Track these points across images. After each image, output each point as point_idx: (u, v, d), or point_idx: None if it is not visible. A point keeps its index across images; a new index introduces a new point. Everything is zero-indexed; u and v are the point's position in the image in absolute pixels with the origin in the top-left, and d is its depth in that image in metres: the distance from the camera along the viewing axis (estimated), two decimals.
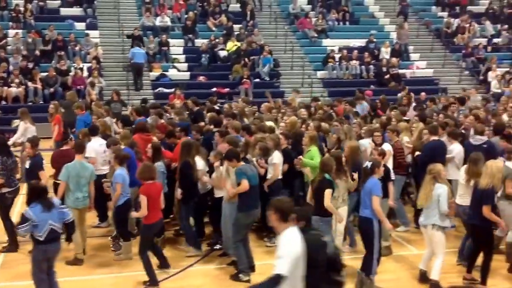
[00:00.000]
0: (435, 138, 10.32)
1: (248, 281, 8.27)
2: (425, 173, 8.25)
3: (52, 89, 19.78)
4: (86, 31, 22.82)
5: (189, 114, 13.72)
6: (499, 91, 21.46)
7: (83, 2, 24.29)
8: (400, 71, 23.20)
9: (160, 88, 21.18)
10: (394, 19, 26.59)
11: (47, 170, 9.51)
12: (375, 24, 26.35)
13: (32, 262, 7.09)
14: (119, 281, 8.41)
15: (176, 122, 12.16)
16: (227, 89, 21.29)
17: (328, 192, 8.03)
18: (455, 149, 10.27)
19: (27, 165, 9.34)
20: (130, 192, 8.92)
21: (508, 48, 25.51)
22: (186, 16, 24.03)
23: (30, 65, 20.48)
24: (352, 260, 8.61)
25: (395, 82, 22.25)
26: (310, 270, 5.35)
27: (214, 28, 24.19)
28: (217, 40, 23.00)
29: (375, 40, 24.32)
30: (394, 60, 23.24)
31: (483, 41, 25.52)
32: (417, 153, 10.52)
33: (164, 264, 8.62)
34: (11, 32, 21.98)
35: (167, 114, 13.81)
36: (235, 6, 25.82)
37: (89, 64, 21.02)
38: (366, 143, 10.31)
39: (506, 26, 26.17)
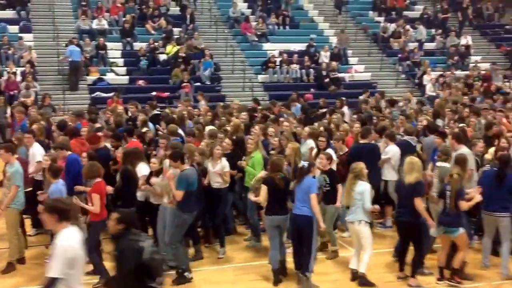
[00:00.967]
0: (365, 141, 10.45)
1: (191, 278, 8.38)
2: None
3: None
4: (20, 34, 22.09)
5: (128, 120, 13.42)
6: (434, 94, 22.09)
7: (16, 5, 23.46)
8: (340, 74, 23.52)
9: (97, 93, 20.68)
10: (333, 24, 26.98)
11: None
12: (314, 29, 26.64)
13: None
14: None
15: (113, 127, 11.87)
16: (167, 93, 21.01)
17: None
18: (391, 150, 10.48)
19: None
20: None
21: (442, 52, 26.27)
22: (124, 19, 23.59)
23: None
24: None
25: (334, 85, 22.54)
26: (119, 275, 5.62)
27: (153, 32, 23.87)
28: (156, 44, 22.69)
29: (314, 44, 24.57)
30: (334, 64, 23.54)
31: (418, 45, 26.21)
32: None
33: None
34: None
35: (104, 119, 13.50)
36: (174, 10, 25.57)
37: (23, 68, 20.31)
38: (312, 144, 10.43)
39: (440, 31, 26.96)
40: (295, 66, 23.22)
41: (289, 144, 9.79)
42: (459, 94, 20.16)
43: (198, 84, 21.81)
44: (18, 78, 19.94)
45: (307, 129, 11.30)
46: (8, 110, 17.31)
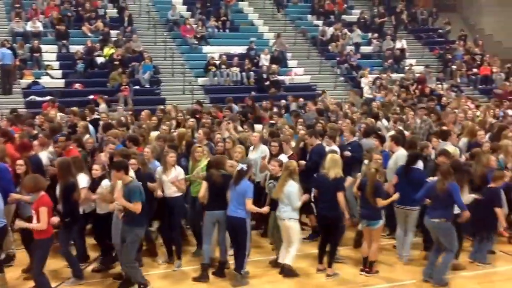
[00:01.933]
0: (318, 142, 10.56)
1: None
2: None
3: None
4: None
5: (69, 126, 13.04)
6: (371, 96, 22.58)
7: None
8: (280, 77, 23.71)
9: (32, 96, 20.05)
10: (273, 27, 27.18)
11: None
12: (254, 32, 26.76)
13: None
14: None
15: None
16: (105, 97, 20.53)
17: (204, 183, 8.55)
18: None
19: None
20: (4, 213, 7.99)
21: (378, 55, 26.89)
22: (57, 21, 22.98)
23: None
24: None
25: (275, 88, 22.70)
26: None
27: (90, 34, 23.37)
28: (95, 45, 22.24)
29: (255, 47, 24.68)
30: (274, 67, 23.70)
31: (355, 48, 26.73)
32: (302, 162, 10.34)
33: None
34: None
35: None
36: (112, 12, 25.15)
37: None
38: (266, 150, 10.34)
39: (376, 35, 27.59)
40: (235, 69, 23.24)
41: (237, 148, 9.82)
42: (396, 96, 20.72)
43: (137, 87, 21.52)
44: None
45: (256, 134, 10.95)
46: None
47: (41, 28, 22.64)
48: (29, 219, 7.84)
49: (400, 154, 9.85)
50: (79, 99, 19.39)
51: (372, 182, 8.61)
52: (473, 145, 11.38)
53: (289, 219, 8.66)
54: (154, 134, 11.57)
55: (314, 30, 27.44)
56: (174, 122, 13.35)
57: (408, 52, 27.44)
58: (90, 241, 9.33)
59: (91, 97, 20.07)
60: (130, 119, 13.93)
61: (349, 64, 25.38)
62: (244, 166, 8.60)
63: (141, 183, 8.12)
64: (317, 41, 26.66)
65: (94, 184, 8.63)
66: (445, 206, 8.38)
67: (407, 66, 26.03)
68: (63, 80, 21.41)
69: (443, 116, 14.76)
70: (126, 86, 20.54)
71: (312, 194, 9.37)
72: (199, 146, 9.71)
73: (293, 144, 10.94)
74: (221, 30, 25.90)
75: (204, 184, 8.57)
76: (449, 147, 10.43)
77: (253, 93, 22.19)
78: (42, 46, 21.83)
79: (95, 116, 14.41)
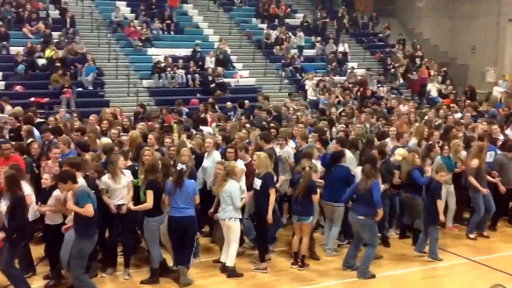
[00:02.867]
0: (269, 146, 10.67)
1: None
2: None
3: None
4: None
5: (9, 131, 12.53)
6: (315, 98, 23.05)
7: None
8: (225, 80, 23.86)
9: None
10: (218, 30, 27.32)
11: None
12: (199, 34, 26.82)
13: None
14: None
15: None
16: (46, 99, 20.20)
17: (150, 193, 8.40)
18: (286, 151, 10.83)
19: None
20: None
21: (321, 58, 27.43)
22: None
23: None
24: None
25: (220, 90, 22.83)
26: None
27: (30, 35, 22.89)
28: (34, 47, 21.80)
29: (200, 49, 24.75)
30: (219, 69, 23.83)
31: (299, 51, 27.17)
32: None
33: None
34: None
35: None
36: (54, 13, 24.71)
37: None
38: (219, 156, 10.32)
39: (319, 38, 28.13)
40: (180, 71, 23.24)
41: (183, 151, 9.83)
42: (342, 98, 21.25)
43: (80, 89, 21.24)
44: None
45: (210, 140, 10.64)
46: None
47: None
48: None
49: (349, 156, 10.24)
50: (19, 101, 18.92)
51: (306, 181, 8.99)
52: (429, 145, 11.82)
53: (229, 219, 8.81)
54: (104, 140, 11.30)
55: (259, 33, 27.74)
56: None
57: (350, 55, 28.09)
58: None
59: (32, 99, 19.73)
60: (76, 123, 13.55)
61: (293, 67, 25.79)
62: (184, 167, 8.73)
63: (93, 190, 7.98)
64: (262, 44, 26.97)
65: (45, 195, 8.27)
66: (370, 204, 8.79)
67: (349, 69, 26.65)
68: (3, 82, 20.89)
69: (396, 118, 15.23)
70: (69, 88, 20.24)
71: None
72: (148, 150, 9.63)
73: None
74: (166, 33, 25.85)
75: (150, 192, 8.42)
76: (400, 149, 10.99)
77: (198, 95, 22.32)
78: None
79: (39, 119, 14.03)
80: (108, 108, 17.57)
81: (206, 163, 10.31)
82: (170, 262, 9.02)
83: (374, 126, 14.15)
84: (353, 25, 30.61)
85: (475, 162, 10.69)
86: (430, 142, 11.63)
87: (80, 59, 22.10)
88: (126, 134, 11.94)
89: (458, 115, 16.36)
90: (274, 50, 26.70)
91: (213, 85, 23.03)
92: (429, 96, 25.99)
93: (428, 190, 9.83)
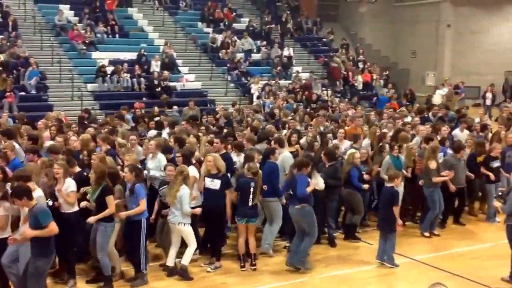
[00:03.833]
0: (224, 151, 10.73)
1: None
2: None
3: None
4: None
5: None
6: (261, 102, 23.28)
7: None
8: (171, 83, 23.83)
9: None
10: (163, 33, 27.23)
11: None
12: (145, 38, 26.69)
13: None
14: None
15: None
16: None
17: (110, 198, 8.36)
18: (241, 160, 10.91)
19: None
20: None
21: (267, 62, 27.73)
22: None
23: None
24: None
25: (166, 94, 22.80)
26: None
27: None
28: None
29: (145, 53, 24.63)
30: (165, 73, 23.77)
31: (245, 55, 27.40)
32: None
33: None
34: None
35: None
36: None
37: None
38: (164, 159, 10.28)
39: (264, 43, 28.44)
40: (125, 75, 23.06)
41: (126, 156, 9.87)
42: (286, 101, 21.56)
43: (23, 93, 20.81)
44: None
45: (153, 142, 10.52)
46: None
47: None
48: None
49: (285, 156, 10.58)
50: None
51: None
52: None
53: (178, 224, 8.87)
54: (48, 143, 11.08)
55: (204, 37, 27.81)
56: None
57: (295, 59, 28.53)
58: None
59: None
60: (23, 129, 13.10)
61: (239, 71, 25.99)
62: (126, 170, 8.80)
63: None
64: (208, 48, 27.05)
65: None
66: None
67: (294, 73, 27.07)
68: None
69: (350, 120, 15.53)
70: (11, 93, 19.82)
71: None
72: (95, 154, 9.57)
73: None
74: (110, 36, 25.59)
75: (111, 199, 8.40)
76: (352, 149, 11.43)
77: (144, 99, 22.21)
78: None
79: None
80: (52, 112, 17.37)
81: (150, 164, 10.28)
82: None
83: (328, 129, 14.47)
84: (297, 30, 31.08)
85: (433, 164, 11.07)
86: (381, 144, 12.02)
87: (22, 63, 21.65)
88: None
89: (408, 118, 16.77)
90: (220, 54, 26.83)
91: (159, 89, 22.96)
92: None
93: (382, 197, 9.97)
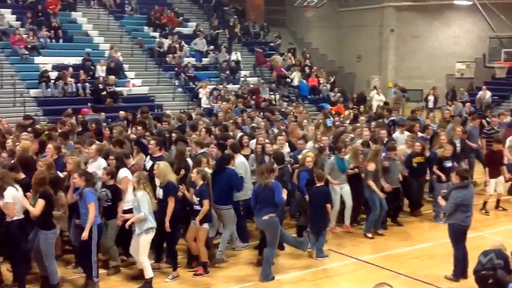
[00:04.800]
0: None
1: None
2: None
3: None
4: None
5: None
6: (209, 106, 23.26)
7: None
8: (117, 88, 23.50)
9: None
10: (108, 38, 26.84)
11: None
12: (89, 42, 26.23)
13: None
14: None
15: None
16: None
17: (41, 201, 8.16)
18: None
19: None
20: None
21: (215, 67, 27.71)
22: None
23: None
24: None
25: (112, 99, 22.46)
26: None
27: None
28: None
29: (90, 58, 24.20)
30: (111, 78, 23.42)
31: (193, 60, 27.28)
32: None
33: None
34: None
35: None
36: None
37: None
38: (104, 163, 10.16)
39: (212, 47, 28.39)
40: (70, 80, 22.60)
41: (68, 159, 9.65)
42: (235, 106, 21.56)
43: None
44: None
45: (93, 147, 10.38)
46: None
47: None
48: None
49: (238, 161, 10.54)
50: None
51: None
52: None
53: (142, 231, 8.74)
54: None
55: (151, 42, 27.55)
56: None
57: (243, 63, 28.60)
58: None
59: None
60: None
61: (187, 76, 25.86)
62: (76, 175, 8.69)
63: None
64: (154, 53, 26.82)
65: None
66: (271, 203, 9.13)
67: (242, 77, 27.13)
68: None
69: (299, 123, 15.67)
70: None
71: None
72: (41, 161, 9.38)
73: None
74: (54, 41, 25.04)
75: (41, 202, 8.21)
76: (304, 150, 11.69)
77: (89, 104, 21.81)
78: None
79: None
80: None
81: (90, 167, 10.05)
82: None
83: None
84: (245, 34, 31.18)
85: (371, 166, 11.27)
86: (321, 145, 12.19)
87: None
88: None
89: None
90: (167, 59, 26.64)
91: (104, 93, 22.61)
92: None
93: (314, 196, 10.16)
